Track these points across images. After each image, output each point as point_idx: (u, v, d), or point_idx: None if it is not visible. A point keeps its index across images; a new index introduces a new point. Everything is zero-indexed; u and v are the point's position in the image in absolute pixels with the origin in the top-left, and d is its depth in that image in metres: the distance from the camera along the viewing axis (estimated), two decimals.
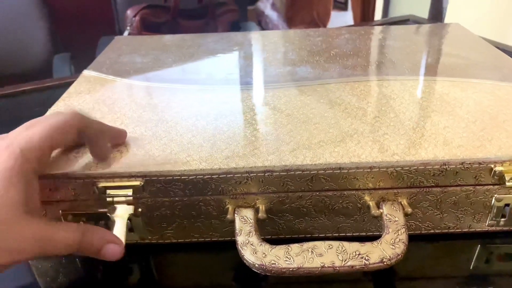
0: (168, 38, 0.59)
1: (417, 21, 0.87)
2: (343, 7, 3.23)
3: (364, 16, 2.38)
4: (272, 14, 2.61)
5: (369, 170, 0.31)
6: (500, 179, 0.31)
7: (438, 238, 0.35)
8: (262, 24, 2.57)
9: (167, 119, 0.37)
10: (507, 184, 0.31)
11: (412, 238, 0.34)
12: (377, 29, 0.60)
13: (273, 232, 0.34)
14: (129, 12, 1.25)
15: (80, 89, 0.43)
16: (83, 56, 0.86)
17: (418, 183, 0.32)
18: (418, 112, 0.37)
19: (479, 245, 0.35)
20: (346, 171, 0.31)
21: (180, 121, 0.37)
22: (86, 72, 0.48)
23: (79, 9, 1.55)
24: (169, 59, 0.51)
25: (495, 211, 0.33)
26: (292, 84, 0.43)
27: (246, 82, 0.45)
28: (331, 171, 0.31)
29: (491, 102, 0.39)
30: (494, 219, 0.34)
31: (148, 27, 1.26)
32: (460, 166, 0.31)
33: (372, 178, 0.31)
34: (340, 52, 0.51)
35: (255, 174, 0.31)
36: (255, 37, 0.59)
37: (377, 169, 0.31)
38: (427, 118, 0.36)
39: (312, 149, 0.32)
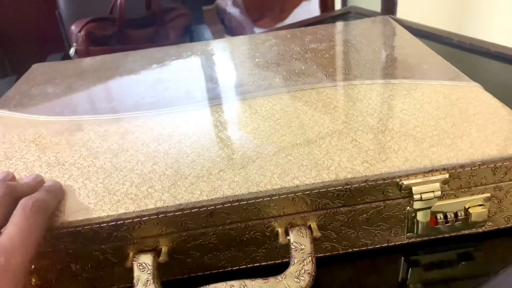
0: (87, 61, 0.56)
1: (359, 12, 0.86)
2: None
3: (324, 6, 2.36)
4: (234, 11, 2.58)
5: (268, 199, 0.29)
6: (408, 193, 0.30)
7: (359, 256, 0.33)
8: (226, 22, 2.54)
9: (51, 162, 0.34)
10: (415, 197, 0.30)
11: (332, 260, 0.32)
12: (302, 30, 0.58)
13: (183, 272, 0.32)
14: (74, 28, 1.21)
15: None
16: None
17: (324, 205, 0.30)
18: (326, 126, 0.35)
19: (403, 258, 0.33)
20: (245, 202, 0.29)
21: (59, 164, 0.34)
22: None
23: (25, 28, 1.50)
24: (82, 87, 0.48)
25: (409, 224, 0.32)
26: (198, 106, 0.41)
27: (155, 107, 0.42)
28: (229, 205, 0.29)
29: (405, 106, 0.37)
30: (410, 231, 0.32)
31: (95, 41, 1.22)
32: (364, 184, 0.29)
33: (274, 206, 0.29)
34: (262, 61, 0.49)
35: (147, 218, 0.29)
36: (174, 52, 0.56)
37: (277, 197, 0.29)
38: (329, 135, 0.34)
39: (210, 181, 0.30)
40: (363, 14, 0.85)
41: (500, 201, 0.32)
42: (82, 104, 0.44)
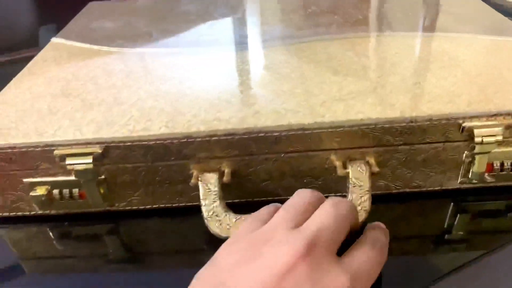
0: (141, 2, 0.57)
1: None
2: None
3: None
4: None
5: (333, 130, 0.30)
6: (469, 136, 0.31)
7: (411, 197, 0.34)
8: None
9: (130, 85, 0.36)
10: (476, 140, 0.30)
11: (383, 198, 0.34)
12: None
13: (240, 195, 0.33)
14: None
15: (46, 57, 0.42)
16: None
17: (385, 141, 0.31)
18: (388, 68, 0.36)
19: (452, 203, 0.34)
20: (310, 132, 0.30)
21: (143, 86, 0.36)
22: (54, 40, 0.46)
23: None
24: (139, 23, 0.49)
25: (464, 169, 0.32)
26: (275, 44, 0.42)
27: (218, 44, 0.43)
28: (294, 133, 0.30)
29: (466, 57, 0.37)
30: (465, 176, 0.33)
31: None
32: (428, 123, 0.30)
33: (337, 138, 0.30)
34: (318, 10, 0.50)
35: (217, 138, 0.30)
36: None
37: (342, 129, 0.30)
38: (394, 73, 0.35)
39: (276, 111, 0.31)
40: None
41: None
42: (139, 36, 0.46)
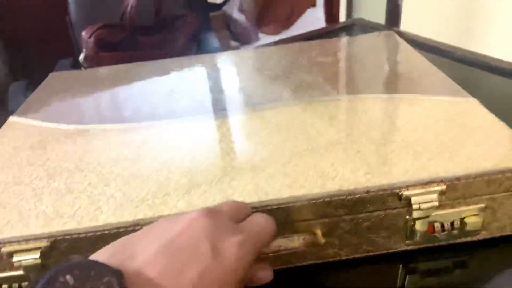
0: (102, 71, 0.58)
1: (365, 25, 0.88)
2: (311, 2, 3.24)
3: (329, 14, 2.40)
4: (240, 18, 2.61)
5: (276, 207, 0.31)
6: (407, 203, 0.32)
7: (361, 263, 0.35)
8: (232, 28, 2.57)
9: (82, 168, 0.37)
10: (414, 207, 0.32)
11: (334, 266, 0.34)
12: (310, 44, 0.61)
13: None
14: (84, 34, 1.23)
15: (2, 140, 0.43)
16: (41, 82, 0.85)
17: (329, 213, 0.32)
18: (331, 137, 0.38)
19: (401, 265, 0.35)
20: (255, 210, 0.31)
21: (96, 169, 0.36)
22: (11, 119, 0.47)
23: (36, 33, 1.53)
24: (99, 97, 0.51)
25: (408, 232, 0.34)
26: (209, 116, 0.44)
27: (174, 116, 0.44)
28: None
29: (406, 120, 0.39)
30: (410, 238, 0.34)
31: (105, 47, 1.25)
32: (366, 194, 0.31)
33: (281, 213, 0.31)
34: (271, 74, 0.52)
35: (140, 227, 0.30)
36: (187, 63, 0.58)
37: (285, 205, 0.31)
38: (338, 142, 0.37)
39: (223, 189, 0.32)
40: (367, 26, 0.87)
41: (495, 211, 0.34)
42: (99, 112, 0.47)
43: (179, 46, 1.36)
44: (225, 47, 1.65)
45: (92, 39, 1.22)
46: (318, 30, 0.91)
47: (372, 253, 0.35)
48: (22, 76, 1.33)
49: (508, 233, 0.35)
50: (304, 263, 0.34)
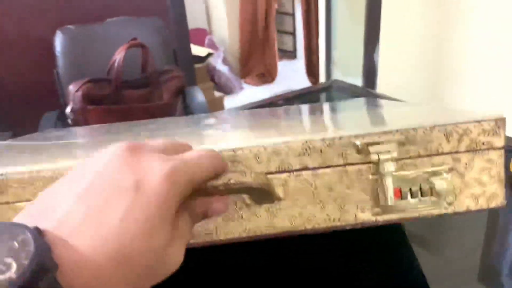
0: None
1: (341, 86, 0.92)
2: (292, 56, 3.39)
3: (309, 71, 2.55)
4: (223, 69, 2.73)
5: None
6: (367, 155, 0.31)
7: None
8: (215, 79, 2.67)
9: None
10: (372, 157, 0.31)
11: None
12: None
13: None
14: (71, 88, 1.27)
15: None
16: (27, 134, 0.85)
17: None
18: None
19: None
20: None
21: None
22: None
23: (23, 86, 1.55)
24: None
25: (374, 197, 0.32)
26: None
27: None
28: None
29: None
30: (377, 206, 0.32)
31: (91, 101, 1.27)
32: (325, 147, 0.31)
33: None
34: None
35: None
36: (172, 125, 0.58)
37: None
38: None
39: None
40: (345, 88, 0.91)
41: (463, 175, 0.33)
42: None
43: (165, 99, 1.39)
44: (209, 98, 1.70)
45: (79, 92, 1.25)
46: (300, 90, 0.95)
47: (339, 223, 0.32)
48: (9, 128, 1.33)
49: (484, 206, 0.33)
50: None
